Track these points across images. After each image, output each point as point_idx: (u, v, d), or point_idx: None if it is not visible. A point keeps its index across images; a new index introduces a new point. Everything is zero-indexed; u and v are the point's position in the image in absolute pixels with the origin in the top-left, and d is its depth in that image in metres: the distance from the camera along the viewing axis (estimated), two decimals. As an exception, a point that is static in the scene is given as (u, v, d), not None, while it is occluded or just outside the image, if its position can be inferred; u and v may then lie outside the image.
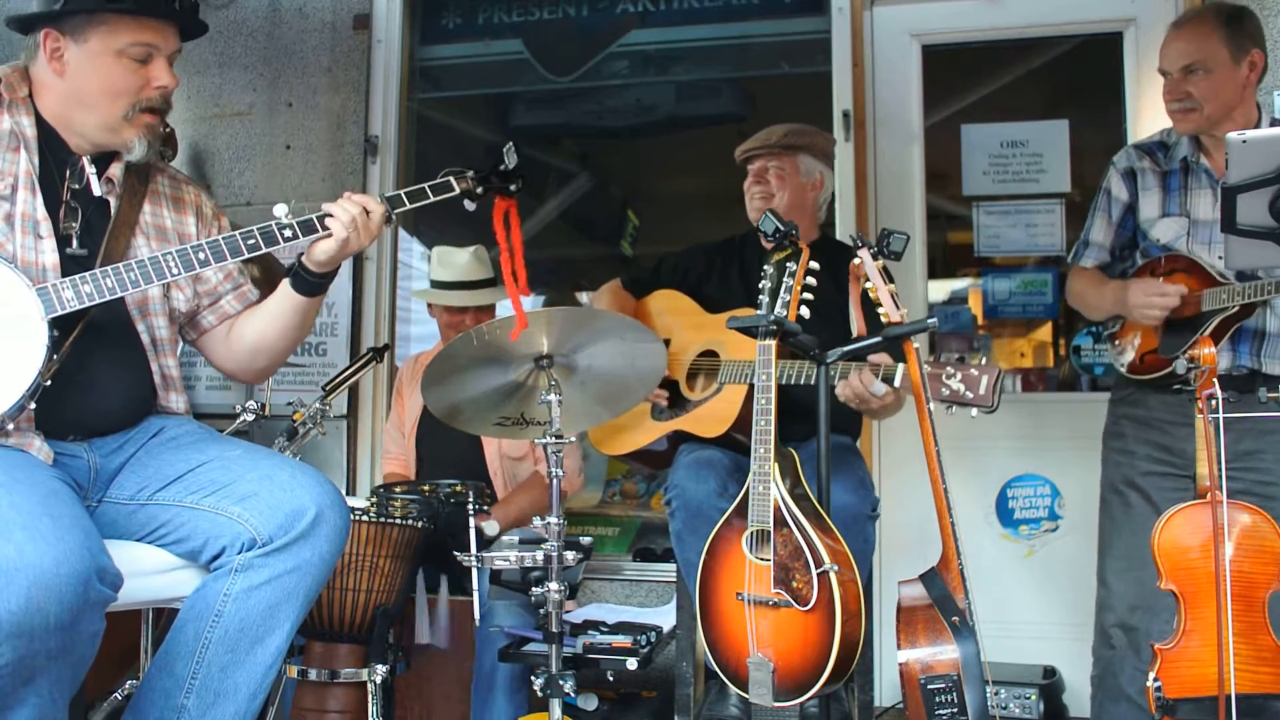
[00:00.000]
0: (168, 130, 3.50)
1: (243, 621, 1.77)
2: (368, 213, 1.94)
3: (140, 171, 2.03)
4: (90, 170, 1.94)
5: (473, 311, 3.25)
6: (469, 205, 2.07)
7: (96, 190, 1.95)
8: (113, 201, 1.97)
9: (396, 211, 2.01)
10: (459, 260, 3.28)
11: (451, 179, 2.06)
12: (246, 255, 1.90)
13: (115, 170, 1.99)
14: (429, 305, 3.40)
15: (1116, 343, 2.57)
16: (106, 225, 1.94)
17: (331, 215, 1.92)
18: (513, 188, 2.09)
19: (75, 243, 1.89)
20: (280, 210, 1.91)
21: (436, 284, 3.31)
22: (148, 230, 2.01)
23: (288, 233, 1.90)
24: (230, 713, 1.78)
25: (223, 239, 1.89)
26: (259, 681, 1.80)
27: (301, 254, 1.98)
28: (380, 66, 3.98)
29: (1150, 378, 2.47)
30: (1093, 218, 2.66)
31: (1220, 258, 2.43)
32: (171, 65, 1.95)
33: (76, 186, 1.92)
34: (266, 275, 2.76)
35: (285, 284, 2.02)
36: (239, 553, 1.79)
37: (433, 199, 2.04)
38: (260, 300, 2.13)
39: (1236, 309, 2.35)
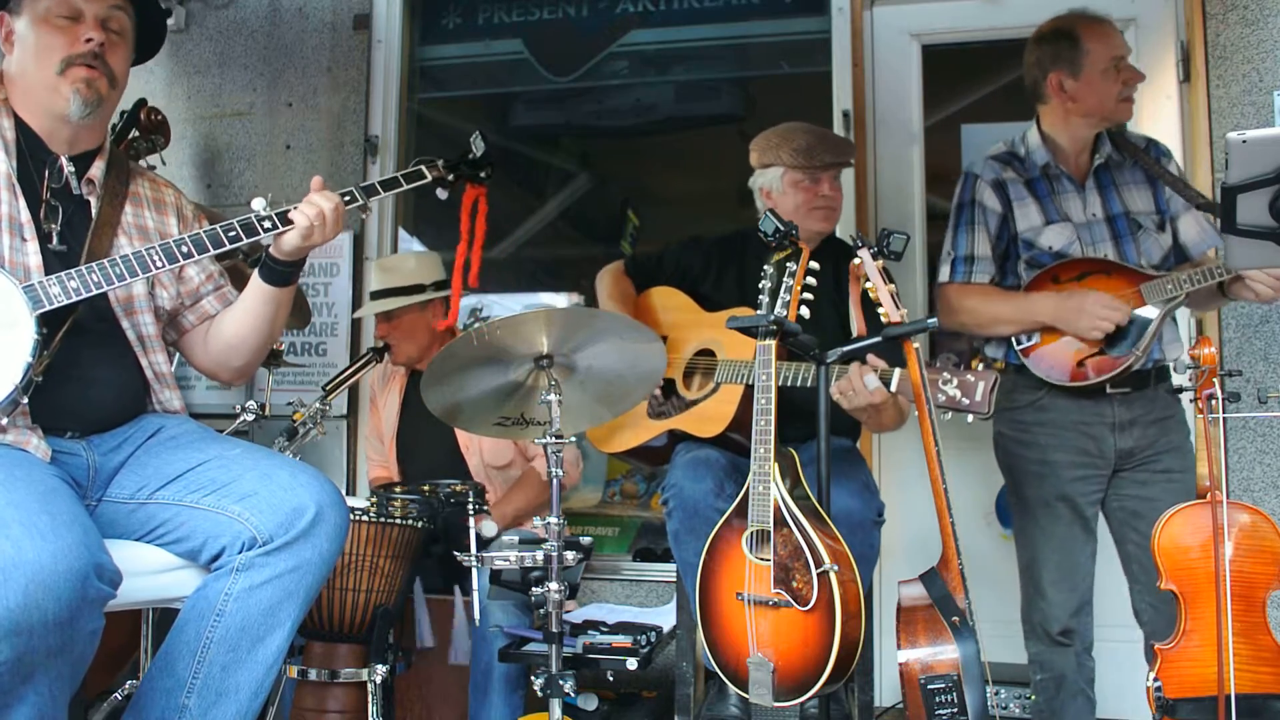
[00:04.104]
0: (159, 118, 3.52)
1: (244, 621, 1.78)
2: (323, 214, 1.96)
3: (121, 174, 2.05)
4: (69, 169, 1.96)
5: (380, 320, 3.20)
6: (441, 194, 2.13)
7: (76, 189, 1.96)
8: (93, 202, 1.99)
9: (373, 199, 2.04)
10: (377, 270, 3.26)
11: (423, 167, 2.11)
12: (228, 246, 1.92)
13: (96, 171, 2.01)
14: None
15: (1034, 354, 2.51)
16: (88, 225, 1.96)
17: (300, 210, 1.94)
18: (482, 174, 2.14)
19: (56, 239, 1.90)
20: (258, 204, 1.94)
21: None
22: (130, 230, 2.02)
23: (267, 224, 1.93)
24: (232, 712, 1.78)
25: (204, 231, 1.91)
26: (260, 681, 1.80)
27: (269, 245, 2.00)
28: (380, 66, 3.98)
29: (1095, 382, 2.44)
30: (966, 233, 2.60)
31: (1105, 256, 2.50)
32: (107, 26, 1.96)
33: (56, 186, 1.94)
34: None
35: (255, 275, 2.04)
36: (239, 552, 1.79)
37: (406, 186, 2.10)
38: None
39: (1183, 296, 2.38)
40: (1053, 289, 2.50)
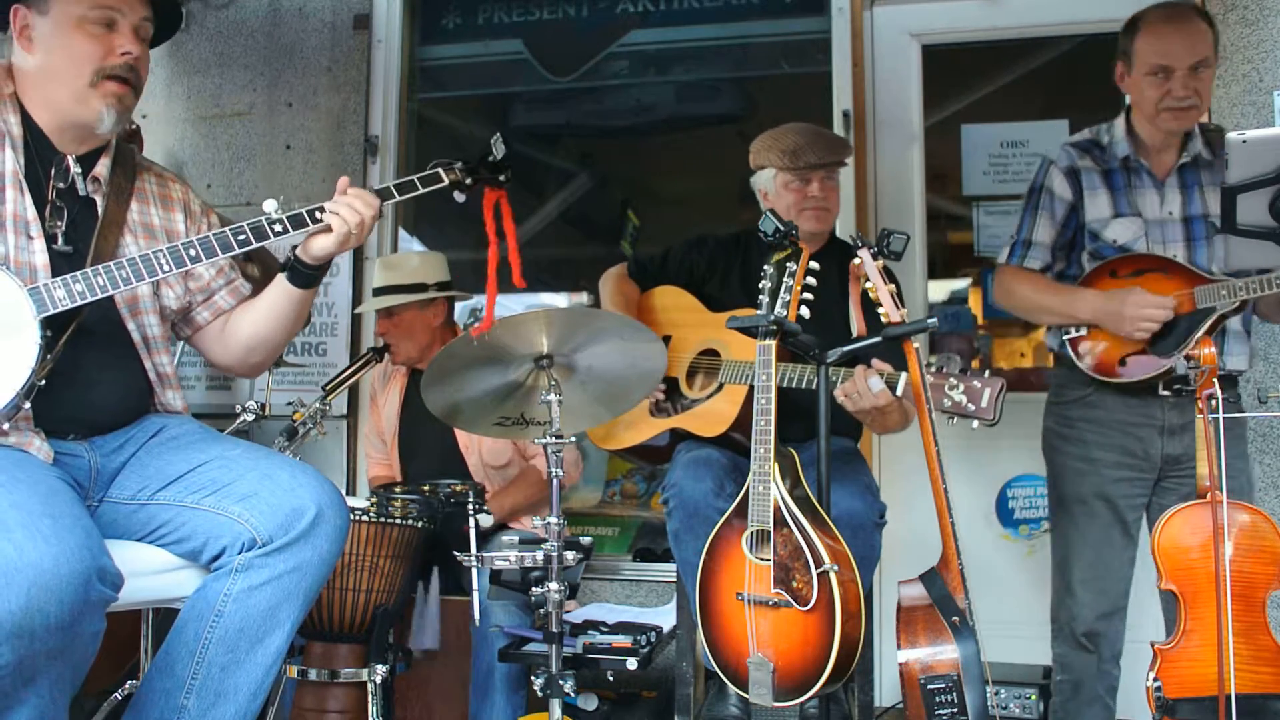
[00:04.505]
0: (133, 127, 3.50)
1: (243, 621, 1.78)
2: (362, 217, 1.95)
3: (127, 170, 2.03)
4: (75, 169, 1.94)
5: (381, 317, 3.21)
6: (459, 197, 2.08)
7: (81, 189, 1.95)
8: (99, 200, 1.97)
9: (387, 203, 2.02)
10: (381, 266, 3.26)
11: (440, 170, 2.06)
12: (237, 250, 1.90)
13: (101, 169, 1.98)
14: None
15: (1081, 346, 2.49)
16: (93, 224, 1.94)
17: (336, 214, 1.92)
18: (501, 178, 2.10)
19: (61, 240, 1.88)
20: (270, 205, 1.92)
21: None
22: (135, 229, 2.01)
23: (277, 227, 1.91)
24: (230, 713, 1.78)
25: (213, 235, 1.89)
26: (259, 682, 1.80)
27: (296, 247, 1.99)
28: (380, 66, 3.98)
29: (1134, 381, 2.41)
30: (1031, 216, 2.58)
31: (1174, 256, 2.44)
32: (139, 36, 1.93)
33: (61, 185, 1.92)
34: (265, 275, 2.75)
35: (281, 278, 2.02)
36: (239, 553, 1.79)
37: (422, 190, 2.05)
38: (253, 295, 2.14)
39: (1236, 303, 2.32)
40: (1108, 283, 2.45)
